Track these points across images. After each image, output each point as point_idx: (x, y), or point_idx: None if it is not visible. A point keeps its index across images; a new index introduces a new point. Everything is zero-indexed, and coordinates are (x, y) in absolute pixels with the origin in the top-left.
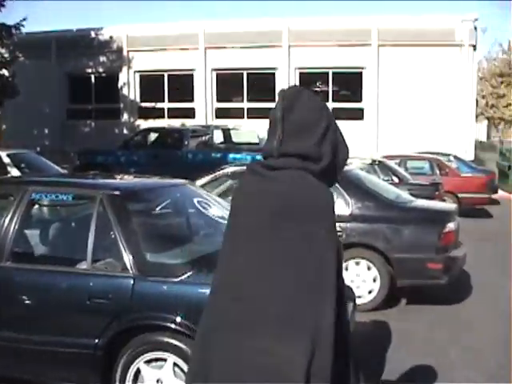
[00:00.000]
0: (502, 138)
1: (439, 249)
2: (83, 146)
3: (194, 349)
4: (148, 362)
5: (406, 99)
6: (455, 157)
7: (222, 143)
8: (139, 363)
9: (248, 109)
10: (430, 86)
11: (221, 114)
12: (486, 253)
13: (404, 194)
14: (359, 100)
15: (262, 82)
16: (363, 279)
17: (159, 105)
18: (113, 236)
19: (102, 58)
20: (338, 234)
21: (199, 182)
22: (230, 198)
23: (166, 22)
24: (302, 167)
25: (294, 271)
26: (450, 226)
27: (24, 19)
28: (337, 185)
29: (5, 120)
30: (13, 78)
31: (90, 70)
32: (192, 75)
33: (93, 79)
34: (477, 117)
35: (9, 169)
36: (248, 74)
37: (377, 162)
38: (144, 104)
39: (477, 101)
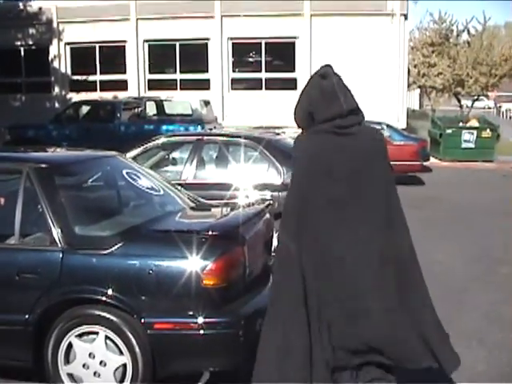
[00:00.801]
0: (434, 106)
1: None
2: (13, 120)
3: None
4: (79, 336)
5: (339, 69)
6: (387, 125)
7: (154, 115)
8: (71, 337)
9: (181, 80)
10: (362, 56)
11: (153, 85)
12: (417, 219)
13: None
14: (292, 70)
15: (194, 53)
16: None
17: (91, 77)
18: (40, 210)
19: (32, 30)
20: (270, 202)
21: (130, 154)
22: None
23: None
24: (361, 119)
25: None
26: None
27: None
28: (268, 154)
29: None
30: None
31: (18, 43)
32: (124, 47)
33: (22, 52)
34: (409, 86)
35: None
36: (180, 44)
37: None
38: (76, 77)
39: (409, 70)
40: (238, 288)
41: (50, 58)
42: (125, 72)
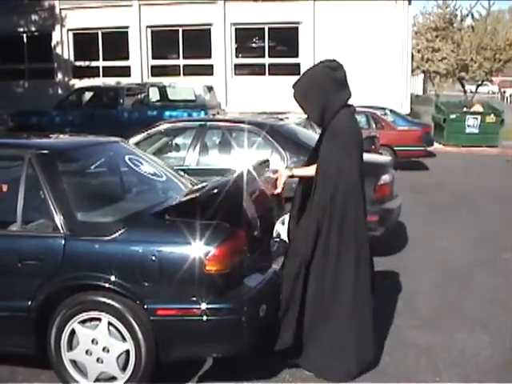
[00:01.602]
0: (438, 91)
1: (374, 201)
2: (17, 107)
3: None
4: (82, 322)
5: (343, 54)
6: (391, 110)
7: (157, 101)
8: (73, 324)
9: (184, 66)
10: (365, 41)
11: (156, 71)
12: (421, 204)
13: None
14: (295, 55)
15: (197, 39)
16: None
17: (94, 63)
18: (43, 196)
19: (34, 17)
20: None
21: (133, 140)
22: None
23: None
24: None
25: None
26: (385, 178)
27: None
28: (271, 139)
29: None
30: None
31: (21, 29)
32: (126, 32)
33: (25, 38)
34: (413, 71)
35: None
36: (183, 30)
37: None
38: (78, 63)
39: (412, 55)
40: (241, 273)
41: (52, 45)
42: (128, 58)
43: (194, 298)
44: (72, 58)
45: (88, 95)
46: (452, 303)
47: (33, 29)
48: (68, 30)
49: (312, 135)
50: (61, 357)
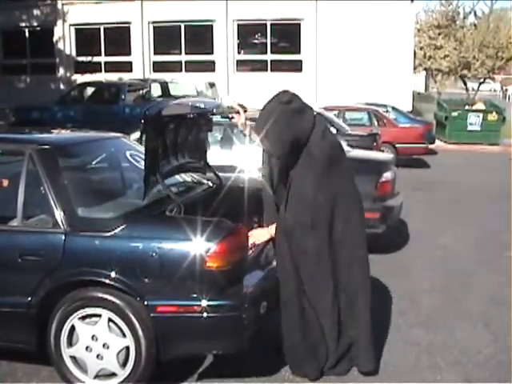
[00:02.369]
0: (440, 89)
1: (376, 198)
2: (18, 102)
3: None
4: (82, 318)
5: (345, 51)
6: (393, 108)
7: (159, 97)
8: (73, 320)
9: (186, 62)
10: (367, 38)
11: (158, 67)
12: (422, 202)
13: None
14: (298, 52)
15: (199, 35)
16: None
17: (96, 59)
18: (43, 192)
19: (36, 12)
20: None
21: (134, 136)
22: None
23: None
24: None
25: None
26: (387, 175)
27: None
28: None
29: None
30: None
31: (23, 24)
32: (129, 28)
33: (27, 33)
34: (415, 68)
35: None
36: (185, 26)
37: (315, 114)
38: (80, 58)
39: (415, 52)
40: (242, 270)
41: (54, 40)
42: (130, 53)
43: (195, 295)
44: (74, 53)
45: (90, 90)
46: (453, 301)
47: (35, 24)
48: (70, 25)
49: None
50: (61, 353)
